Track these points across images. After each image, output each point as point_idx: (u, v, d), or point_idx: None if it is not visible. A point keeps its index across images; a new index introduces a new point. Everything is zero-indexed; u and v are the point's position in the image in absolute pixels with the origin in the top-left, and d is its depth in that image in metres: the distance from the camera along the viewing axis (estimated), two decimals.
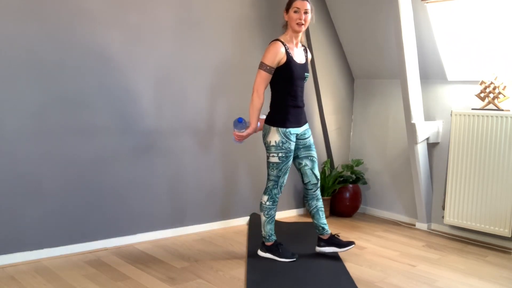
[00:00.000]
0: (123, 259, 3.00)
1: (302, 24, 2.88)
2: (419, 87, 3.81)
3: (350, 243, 3.13)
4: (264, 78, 2.87)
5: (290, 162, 2.99)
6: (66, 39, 2.95)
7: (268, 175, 3.02)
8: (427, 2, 3.62)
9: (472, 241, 3.69)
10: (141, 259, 3.03)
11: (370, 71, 4.43)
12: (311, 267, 2.96)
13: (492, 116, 3.45)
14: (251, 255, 3.16)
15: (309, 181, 3.08)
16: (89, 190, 3.11)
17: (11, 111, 2.79)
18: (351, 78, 4.63)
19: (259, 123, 3.02)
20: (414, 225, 4.09)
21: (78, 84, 3.02)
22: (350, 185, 4.30)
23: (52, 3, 2.87)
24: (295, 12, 2.86)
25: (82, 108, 3.04)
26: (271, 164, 2.98)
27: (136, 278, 2.71)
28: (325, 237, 3.15)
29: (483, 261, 3.25)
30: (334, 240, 3.14)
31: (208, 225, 3.75)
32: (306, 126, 3.07)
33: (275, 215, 3.08)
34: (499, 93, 3.47)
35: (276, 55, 2.85)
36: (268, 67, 2.86)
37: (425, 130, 3.82)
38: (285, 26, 2.97)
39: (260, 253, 3.14)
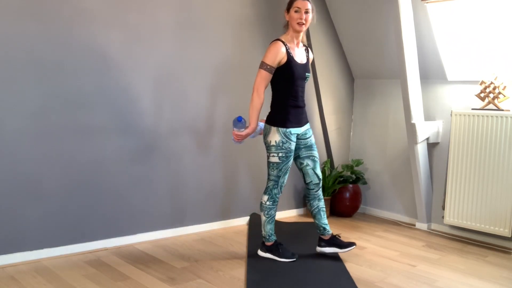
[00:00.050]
0: (123, 259, 3.00)
1: (303, 24, 2.88)
2: (419, 87, 3.81)
3: (351, 244, 3.13)
4: (264, 77, 2.87)
5: (291, 162, 2.99)
6: (66, 39, 2.95)
7: (268, 175, 3.02)
8: (427, 2, 3.62)
9: (472, 241, 3.69)
10: (141, 259, 3.03)
11: (370, 71, 4.43)
12: (311, 267, 2.96)
13: (492, 116, 3.45)
14: (251, 255, 3.16)
15: (311, 181, 3.08)
16: (89, 190, 3.11)
17: (11, 111, 2.79)
18: (351, 78, 4.63)
19: (259, 126, 3.02)
20: (414, 225, 4.09)
21: (78, 84, 3.02)
22: (350, 185, 4.30)
23: (52, 3, 2.87)
24: (296, 11, 2.86)
25: (82, 108, 3.04)
26: (271, 164, 2.98)
27: (136, 278, 2.71)
28: (326, 237, 3.15)
29: (483, 261, 3.25)
30: (335, 241, 3.14)
31: (208, 225, 3.75)
32: (307, 126, 3.07)
33: (275, 215, 3.08)
34: (499, 93, 3.47)
35: (277, 55, 2.85)
36: (268, 67, 2.86)
37: (425, 130, 3.82)
38: (286, 26, 2.97)
39: (260, 253, 3.14)
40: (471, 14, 3.54)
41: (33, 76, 2.85)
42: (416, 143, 3.79)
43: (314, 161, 3.07)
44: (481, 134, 3.51)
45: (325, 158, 4.48)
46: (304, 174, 3.09)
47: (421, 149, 3.84)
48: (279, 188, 3.02)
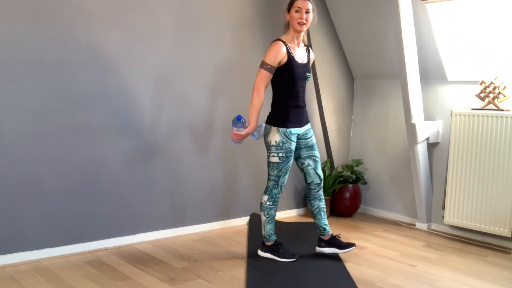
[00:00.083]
0: (123, 259, 3.00)
1: (304, 24, 2.88)
2: (419, 87, 3.81)
3: (350, 245, 3.13)
4: (264, 77, 2.87)
5: (291, 162, 2.99)
6: (66, 39, 2.95)
7: (269, 175, 3.02)
8: (427, 2, 3.62)
9: (472, 241, 3.69)
10: (141, 259, 3.03)
11: (370, 71, 4.43)
12: (311, 267, 2.96)
13: (492, 116, 3.45)
14: (251, 255, 3.16)
15: (312, 181, 3.08)
16: (89, 190, 3.11)
17: (11, 111, 2.79)
18: (351, 78, 4.63)
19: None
20: (414, 225, 4.09)
21: (78, 84, 3.02)
22: (350, 185, 4.30)
23: (52, 3, 2.87)
24: (296, 11, 2.86)
25: (82, 108, 3.04)
26: (271, 164, 2.98)
27: (136, 278, 2.71)
28: (326, 237, 3.15)
29: (483, 261, 3.25)
30: (335, 241, 3.14)
31: (208, 225, 3.75)
32: (308, 126, 3.07)
33: (275, 215, 3.08)
34: (499, 93, 3.47)
35: (277, 55, 2.85)
36: (269, 66, 2.86)
37: (425, 130, 3.82)
38: (287, 26, 2.97)
39: (260, 253, 3.14)
40: (471, 14, 3.54)
41: (33, 76, 2.85)
42: (416, 143, 3.79)
43: (315, 161, 3.07)
44: (481, 134, 3.51)
45: (325, 158, 4.48)
46: (305, 174, 3.09)
47: (421, 149, 3.84)
48: (279, 188, 3.02)
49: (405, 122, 3.85)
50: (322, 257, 3.13)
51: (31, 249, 2.91)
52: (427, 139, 3.88)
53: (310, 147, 3.06)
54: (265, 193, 3.05)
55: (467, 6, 3.52)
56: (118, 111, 3.20)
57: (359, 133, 4.60)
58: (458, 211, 3.67)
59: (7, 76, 2.76)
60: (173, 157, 3.50)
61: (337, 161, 4.57)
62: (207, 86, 3.65)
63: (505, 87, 3.47)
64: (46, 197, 2.95)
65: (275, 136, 2.93)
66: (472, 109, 3.62)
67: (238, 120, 2.89)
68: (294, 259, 3.05)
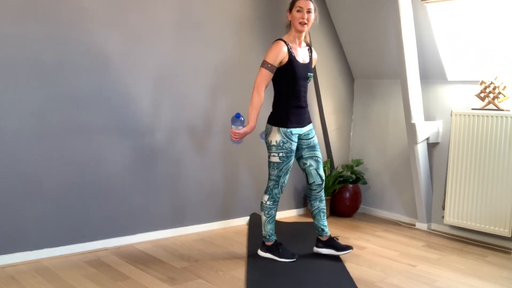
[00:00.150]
0: (123, 259, 3.00)
1: (305, 24, 2.88)
2: (419, 87, 3.81)
3: (348, 248, 3.13)
4: (265, 76, 2.87)
5: (291, 162, 2.99)
6: (66, 39, 2.95)
7: (269, 174, 3.02)
8: (427, 2, 3.62)
9: (472, 241, 3.69)
10: (141, 259, 3.03)
11: (370, 71, 4.43)
12: (311, 267, 2.96)
13: (492, 116, 3.45)
14: (251, 255, 3.16)
15: (314, 182, 3.08)
16: (89, 190, 3.11)
17: (11, 111, 2.79)
18: (351, 78, 4.63)
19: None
20: (414, 225, 4.09)
21: (78, 84, 3.02)
22: (350, 185, 4.30)
23: (52, 3, 2.87)
24: (298, 11, 2.87)
25: (82, 108, 3.04)
26: (272, 164, 2.98)
27: (136, 278, 2.71)
28: (324, 238, 3.15)
29: (483, 261, 3.25)
30: (332, 243, 3.14)
31: (208, 225, 3.75)
32: (310, 127, 3.07)
33: (275, 215, 3.08)
34: (499, 93, 3.47)
35: (278, 54, 2.85)
36: (269, 65, 2.86)
37: (425, 130, 3.82)
38: (289, 26, 2.97)
39: (260, 253, 3.14)
40: (471, 14, 3.54)
41: (33, 76, 2.85)
42: (416, 143, 3.79)
43: (317, 161, 3.07)
44: (481, 134, 3.51)
45: (325, 158, 4.48)
46: (307, 175, 3.09)
47: (421, 149, 3.84)
48: (279, 188, 3.02)
49: (405, 122, 3.85)
50: (322, 257, 3.13)
51: (31, 249, 2.91)
52: (427, 139, 3.88)
53: (312, 148, 3.05)
54: (265, 193, 3.05)
55: (467, 6, 3.52)
56: (118, 111, 3.20)
57: (359, 133, 4.60)
58: (458, 211, 3.67)
59: (7, 76, 2.76)
60: (173, 157, 3.50)
61: (337, 161, 4.57)
62: (207, 86, 3.65)
63: (505, 87, 3.47)
64: (46, 197, 2.95)
65: (276, 136, 2.93)
66: (472, 109, 3.62)
67: (237, 118, 2.87)
68: (294, 259, 3.05)
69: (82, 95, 3.04)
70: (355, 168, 4.42)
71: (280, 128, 2.93)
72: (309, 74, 2.99)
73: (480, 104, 3.62)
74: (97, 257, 3.02)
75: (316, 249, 3.18)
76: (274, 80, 2.96)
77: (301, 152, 3.05)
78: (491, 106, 3.56)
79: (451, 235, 3.82)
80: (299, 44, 2.97)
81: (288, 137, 2.93)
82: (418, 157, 3.83)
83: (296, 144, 2.98)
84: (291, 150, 2.96)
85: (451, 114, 3.70)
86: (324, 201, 3.15)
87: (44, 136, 2.91)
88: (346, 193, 4.28)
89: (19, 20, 2.77)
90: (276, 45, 2.87)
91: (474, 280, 2.90)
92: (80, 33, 3.00)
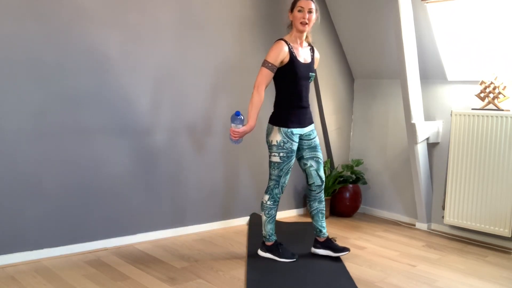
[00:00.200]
0: (123, 259, 3.00)
1: (306, 24, 2.88)
2: (419, 87, 3.81)
3: (345, 249, 3.12)
4: (265, 75, 2.87)
5: (292, 162, 2.99)
6: (66, 39, 2.95)
7: (270, 174, 3.02)
8: (427, 2, 3.62)
9: (472, 241, 3.69)
10: (141, 259, 3.03)
11: (370, 71, 4.43)
12: (311, 267, 2.96)
13: (492, 116, 3.45)
14: (251, 255, 3.16)
15: (313, 183, 3.08)
16: (89, 190, 3.11)
17: (11, 111, 2.79)
18: (351, 78, 4.63)
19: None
20: (414, 225, 4.09)
21: (78, 84, 3.02)
22: (350, 185, 4.30)
23: (52, 3, 2.87)
24: (299, 11, 2.87)
25: (82, 108, 3.04)
26: (272, 164, 2.98)
27: (136, 278, 2.71)
28: (322, 239, 3.15)
29: (483, 261, 3.25)
30: (329, 244, 3.14)
31: (208, 225, 3.75)
32: (311, 127, 3.06)
33: (275, 215, 3.08)
34: (499, 93, 3.47)
35: (279, 54, 2.85)
36: (270, 65, 2.86)
37: (425, 130, 3.82)
38: (290, 26, 2.97)
39: (260, 253, 3.14)
40: (471, 14, 3.54)
41: (33, 76, 2.85)
42: (416, 143, 3.79)
43: (318, 162, 3.07)
44: (481, 134, 3.51)
45: (325, 158, 4.48)
46: (307, 175, 3.09)
47: (421, 149, 3.84)
48: (280, 188, 3.02)
49: (405, 122, 3.85)
50: (322, 257, 3.13)
51: (31, 249, 2.91)
52: (427, 139, 3.88)
53: (313, 148, 3.05)
54: (266, 192, 3.05)
55: (467, 6, 3.52)
56: (118, 111, 3.20)
57: (359, 133, 4.60)
58: (458, 211, 3.67)
59: (7, 76, 2.76)
60: (173, 157, 3.50)
61: (337, 161, 4.57)
62: (207, 86, 3.65)
63: (505, 87, 3.47)
64: (46, 197, 2.94)
65: (277, 136, 2.93)
66: (472, 109, 3.62)
67: (237, 116, 2.86)
68: (294, 259, 3.05)
69: (82, 95, 3.04)
70: (355, 168, 4.42)
71: (281, 128, 2.92)
72: (310, 74, 2.99)
73: (480, 104, 3.62)
74: (97, 257, 3.02)
75: (313, 250, 3.18)
76: (275, 80, 2.96)
77: (302, 153, 3.05)
78: (491, 106, 3.56)
79: (451, 235, 3.82)
80: (301, 44, 2.97)
81: (289, 137, 2.93)
82: (418, 157, 3.83)
83: (297, 144, 2.98)
84: (292, 150, 2.96)
85: (451, 114, 3.70)
86: (324, 202, 3.15)
87: (44, 136, 2.91)
88: (346, 193, 4.28)
89: (19, 20, 2.77)
90: (277, 44, 2.88)
91: (474, 280, 2.90)
92: (80, 33, 3.00)
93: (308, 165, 3.06)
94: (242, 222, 3.96)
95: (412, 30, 3.67)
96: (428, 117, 3.97)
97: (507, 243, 3.55)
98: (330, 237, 3.19)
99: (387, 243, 3.58)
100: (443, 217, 3.83)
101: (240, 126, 2.87)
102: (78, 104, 3.03)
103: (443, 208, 3.81)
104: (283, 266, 2.95)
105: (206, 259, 3.07)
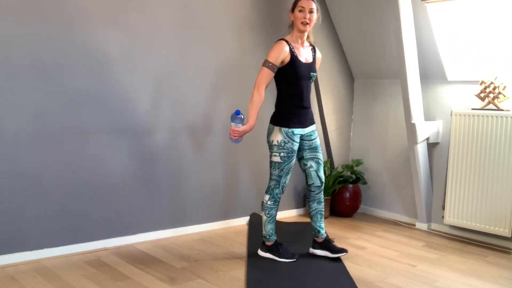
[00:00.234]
0: (123, 259, 3.00)
1: (307, 24, 2.88)
2: (419, 87, 3.81)
3: (342, 250, 3.12)
4: (266, 75, 2.87)
5: (293, 162, 2.99)
6: (66, 39, 2.95)
7: (270, 174, 3.02)
8: (427, 2, 3.62)
9: (472, 241, 3.69)
10: (141, 259, 3.03)
11: (370, 71, 4.43)
12: (311, 267, 2.96)
13: (492, 116, 3.45)
14: (251, 255, 3.16)
15: (313, 183, 3.08)
16: (89, 190, 3.11)
17: (11, 111, 2.78)
18: (351, 78, 4.63)
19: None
20: (414, 225, 4.09)
21: (78, 84, 3.02)
22: (350, 185, 4.30)
23: (52, 3, 2.87)
24: (300, 11, 2.87)
25: (82, 108, 3.04)
26: (273, 164, 2.98)
27: (136, 278, 2.71)
28: (320, 240, 3.15)
29: (483, 261, 3.25)
30: (327, 245, 3.14)
31: (208, 225, 3.75)
32: (312, 128, 3.06)
33: (276, 215, 3.08)
34: (499, 93, 3.47)
35: (280, 53, 2.85)
36: (270, 64, 2.86)
37: (425, 130, 3.82)
38: (291, 26, 2.97)
39: (260, 252, 3.14)
40: (471, 14, 3.54)
41: (33, 76, 2.85)
42: (416, 143, 3.79)
43: (318, 163, 3.07)
44: (481, 134, 3.51)
45: (325, 158, 4.48)
46: (306, 176, 3.09)
47: (421, 149, 3.84)
48: (280, 188, 3.01)
49: (405, 122, 3.85)
50: (322, 257, 3.13)
51: (31, 249, 2.91)
52: (427, 139, 3.88)
53: (314, 149, 3.05)
54: (266, 192, 3.05)
55: (467, 6, 3.52)
56: (118, 111, 3.20)
57: (359, 133, 4.60)
58: (458, 211, 3.67)
59: (7, 76, 2.76)
60: (173, 157, 3.50)
61: (337, 161, 4.57)
62: (207, 86, 3.65)
63: (505, 87, 3.47)
64: (46, 197, 2.94)
65: (277, 136, 2.93)
66: (472, 109, 3.62)
67: (237, 115, 2.85)
68: (294, 259, 3.05)
69: (82, 95, 3.04)
70: (355, 168, 4.42)
71: (282, 128, 2.92)
72: (312, 74, 2.99)
73: (480, 104, 3.62)
74: (97, 257, 3.02)
75: (311, 250, 3.19)
76: (276, 80, 2.96)
77: (302, 153, 3.05)
78: (491, 106, 3.56)
79: (451, 235, 3.82)
80: (302, 44, 2.97)
81: (290, 137, 2.93)
82: (418, 157, 3.83)
83: (298, 144, 2.98)
84: (293, 151, 2.95)
85: (451, 114, 3.70)
86: (323, 203, 3.14)
87: (44, 136, 2.91)
88: (346, 193, 4.28)
89: (19, 20, 2.77)
90: (277, 44, 2.88)
91: (474, 280, 2.90)
92: (80, 33, 3.00)
93: (308, 165, 3.06)
94: (242, 222, 3.96)
95: (412, 30, 3.67)
96: (428, 117, 3.97)
97: (507, 243, 3.55)
98: (329, 237, 3.19)
99: (387, 243, 3.58)
100: (443, 217, 3.83)
101: (240, 125, 2.86)
102: (78, 104, 3.03)
103: (443, 208, 3.81)
104: (283, 266, 2.95)
105: (206, 259, 3.07)
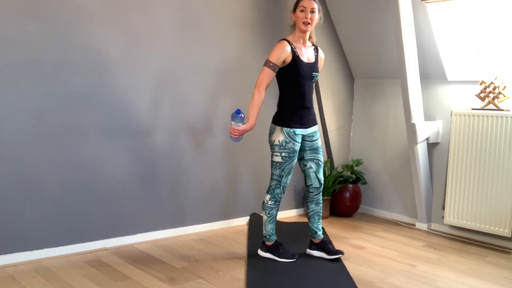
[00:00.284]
0: (123, 259, 3.00)
1: (309, 24, 2.88)
2: (419, 87, 3.81)
3: (338, 252, 3.11)
4: (267, 75, 2.87)
5: (294, 162, 2.99)
6: (66, 39, 2.95)
7: (272, 174, 3.02)
8: (427, 2, 3.62)
9: (472, 241, 3.69)
10: (141, 259, 3.03)
11: (370, 71, 4.43)
12: (311, 267, 2.96)
13: (492, 116, 3.45)
14: (251, 255, 3.16)
15: (311, 184, 3.07)
16: (89, 190, 3.11)
17: (11, 112, 2.78)
18: (351, 78, 4.63)
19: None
20: (414, 225, 4.09)
21: (78, 84, 3.02)
22: (350, 185, 4.30)
23: (52, 3, 2.87)
24: (301, 11, 2.87)
25: (82, 108, 3.04)
26: (274, 163, 2.98)
27: (136, 278, 2.71)
28: (317, 241, 3.15)
29: (483, 261, 3.25)
30: (324, 246, 3.14)
31: (208, 225, 3.75)
32: (314, 128, 3.06)
33: (276, 215, 3.08)
34: (499, 93, 3.47)
35: (281, 53, 2.85)
36: (271, 64, 2.85)
37: (425, 130, 3.82)
38: (293, 26, 2.97)
39: (260, 252, 3.14)
40: (471, 14, 3.54)
41: (33, 76, 2.85)
42: (416, 143, 3.79)
43: (318, 164, 3.06)
44: (481, 134, 3.51)
45: (325, 158, 4.48)
46: (306, 176, 3.09)
47: (421, 149, 3.84)
48: (281, 188, 3.01)
49: (405, 122, 3.85)
50: (321, 257, 3.13)
51: (31, 249, 2.91)
52: (427, 139, 3.88)
53: (315, 150, 3.05)
54: (267, 192, 3.05)
55: (467, 6, 3.52)
56: (119, 111, 3.20)
57: (359, 133, 4.60)
58: (458, 211, 3.67)
59: (7, 76, 2.76)
60: (173, 157, 3.50)
61: (337, 161, 4.57)
62: (208, 86, 3.65)
63: (505, 87, 3.47)
64: (46, 197, 2.94)
65: (279, 136, 2.93)
66: (472, 109, 3.62)
67: (237, 114, 2.85)
68: (294, 259, 3.05)
69: (82, 95, 3.04)
70: (355, 168, 4.42)
71: (283, 128, 2.92)
72: (314, 73, 2.98)
73: (480, 104, 3.62)
74: (97, 257, 3.02)
75: (308, 251, 3.19)
76: (278, 79, 2.96)
77: (303, 154, 3.04)
78: (491, 106, 3.56)
79: (451, 235, 3.82)
80: (304, 43, 2.97)
81: (291, 137, 2.93)
82: (418, 157, 3.83)
83: (299, 144, 2.98)
84: (294, 151, 2.95)
85: (451, 114, 3.70)
86: (321, 204, 3.14)
87: (44, 136, 2.91)
88: (346, 193, 4.28)
89: (19, 20, 2.77)
90: (279, 44, 2.88)
91: (474, 280, 2.90)
92: (80, 33, 3.00)
93: (308, 166, 3.05)
94: (242, 222, 3.96)
95: (412, 30, 3.67)
96: (428, 117, 3.97)
97: (507, 243, 3.55)
98: (326, 239, 3.18)
99: (387, 243, 3.58)
100: (443, 217, 3.83)
101: (241, 124, 2.86)
102: (78, 104, 3.03)
103: (443, 208, 3.81)
104: (283, 266, 2.95)
105: (206, 259, 3.07)
